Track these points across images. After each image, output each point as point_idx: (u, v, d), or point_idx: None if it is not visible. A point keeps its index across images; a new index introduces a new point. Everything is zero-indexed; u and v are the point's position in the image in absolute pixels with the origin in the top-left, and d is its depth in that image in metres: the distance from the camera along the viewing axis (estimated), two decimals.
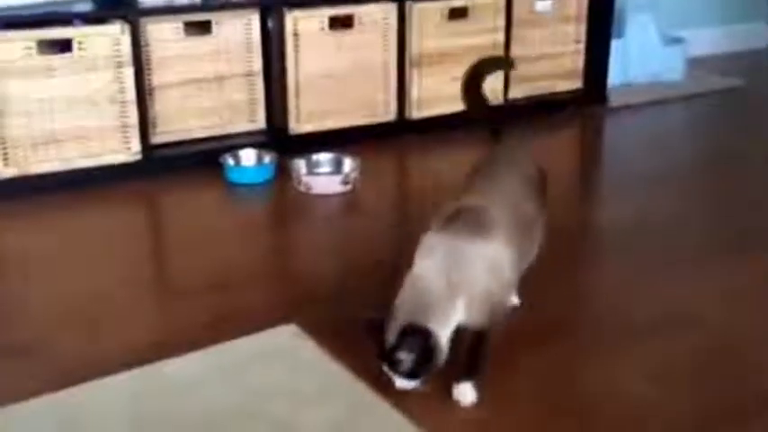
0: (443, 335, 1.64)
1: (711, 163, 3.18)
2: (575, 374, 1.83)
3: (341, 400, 1.69)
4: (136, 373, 1.77)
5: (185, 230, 2.57)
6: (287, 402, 1.68)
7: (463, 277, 1.67)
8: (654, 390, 1.74)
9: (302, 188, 2.81)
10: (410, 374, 1.65)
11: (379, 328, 1.66)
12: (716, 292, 2.13)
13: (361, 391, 1.71)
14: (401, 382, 1.67)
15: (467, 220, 1.73)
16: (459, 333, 1.70)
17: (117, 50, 2.73)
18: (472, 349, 1.71)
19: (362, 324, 1.72)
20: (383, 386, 1.69)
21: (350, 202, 2.76)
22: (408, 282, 1.69)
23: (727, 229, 2.54)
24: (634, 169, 3.10)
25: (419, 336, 1.61)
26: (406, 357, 1.62)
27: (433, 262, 1.69)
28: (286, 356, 1.84)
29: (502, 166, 1.95)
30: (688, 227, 2.55)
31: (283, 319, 1.96)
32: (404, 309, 1.65)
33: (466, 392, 1.68)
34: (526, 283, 1.91)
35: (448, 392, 1.70)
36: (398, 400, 1.66)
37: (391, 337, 1.63)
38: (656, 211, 2.66)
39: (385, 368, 1.67)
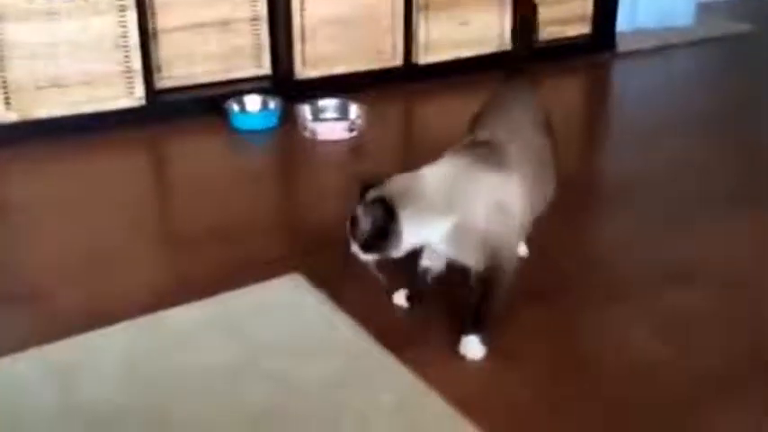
0: (409, 233, 1.61)
1: (719, 112, 3.14)
2: (581, 329, 1.83)
3: (342, 354, 1.67)
4: (134, 323, 1.75)
5: (189, 177, 2.56)
6: (285, 357, 1.66)
7: (464, 202, 1.64)
8: (660, 344, 1.74)
9: (308, 134, 2.79)
10: (364, 245, 1.63)
11: (363, 191, 1.65)
12: (720, 246, 2.12)
13: (364, 343, 1.70)
14: (355, 249, 1.65)
15: (484, 152, 1.70)
16: (469, 284, 1.69)
17: None
18: (480, 302, 1.69)
19: (357, 181, 1.69)
20: (388, 337, 1.70)
21: (355, 148, 2.74)
22: (411, 174, 1.67)
23: (734, 180, 2.52)
24: (640, 118, 3.08)
25: (384, 212, 1.60)
26: (363, 220, 1.61)
27: (441, 174, 1.67)
28: (288, 308, 1.82)
29: (513, 104, 1.90)
30: (694, 178, 2.53)
31: (288, 267, 1.95)
32: (390, 187, 1.63)
33: (473, 347, 1.67)
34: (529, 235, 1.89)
35: (452, 346, 1.69)
36: (402, 351, 1.66)
37: (363, 201, 1.63)
38: (662, 162, 2.64)
39: (347, 229, 1.65)
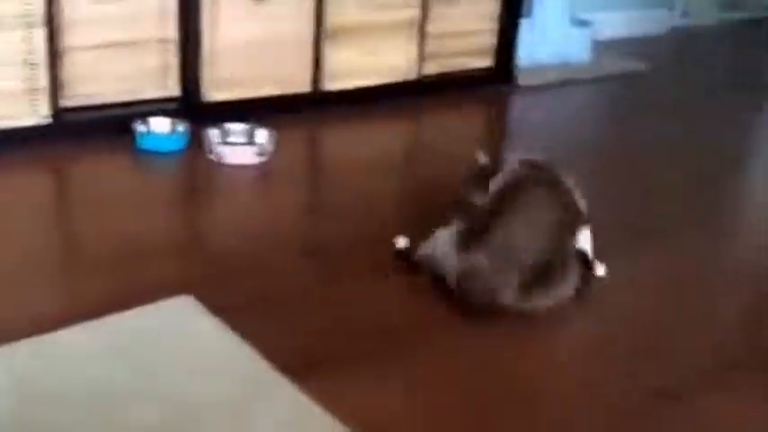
0: None
1: (614, 146, 3.30)
2: (497, 353, 1.89)
3: (235, 377, 1.70)
4: (21, 345, 1.73)
5: (93, 199, 2.54)
6: (176, 378, 1.68)
7: None
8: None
9: (214, 158, 2.81)
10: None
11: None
12: (619, 280, 2.22)
13: (258, 367, 1.72)
14: None
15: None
16: None
17: (28, 10, 2.66)
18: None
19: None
20: (282, 363, 1.73)
21: (262, 173, 2.77)
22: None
23: (625, 215, 2.66)
24: (535, 149, 3.19)
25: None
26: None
27: None
28: (179, 329, 1.84)
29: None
30: (594, 213, 2.64)
31: (182, 291, 1.96)
32: None
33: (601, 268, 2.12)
34: None
35: (345, 375, 1.75)
36: (297, 377, 1.70)
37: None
38: None
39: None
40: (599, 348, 1.95)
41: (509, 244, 1.95)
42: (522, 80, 3.87)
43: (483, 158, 2.11)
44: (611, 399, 1.76)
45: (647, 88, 4.07)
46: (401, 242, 2.21)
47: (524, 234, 1.96)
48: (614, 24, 4.68)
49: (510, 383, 1.79)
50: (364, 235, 2.35)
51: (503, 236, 1.95)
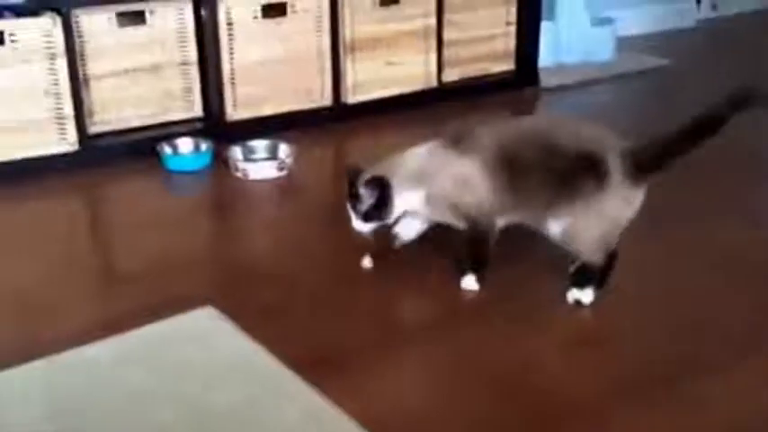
0: (399, 201, 2.06)
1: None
2: (489, 349, 1.90)
3: (256, 382, 1.75)
4: (55, 358, 1.82)
5: (122, 219, 2.63)
6: (200, 383, 1.75)
7: (430, 177, 2.04)
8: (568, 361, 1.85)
9: (239, 174, 2.87)
10: (365, 215, 2.07)
11: (353, 177, 2.09)
12: (630, 266, 2.22)
13: (277, 373, 1.77)
14: (357, 224, 2.11)
15: (454, 135, 2.08)
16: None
17: (49, 42, 2.76)
18: (469, 251, 2.10)
19: (347, 169, 2.14)
20: (300, 368, 1.77)
21: (285, 187, 2.82)
22: (393, 157, 2.11)
23: (656, 203, 2.63)
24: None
25: (380, 184, 2.04)
26: (365, 194, 2.05)
27: (418, 152, 2.10)
28: (201, 338, 1.91)
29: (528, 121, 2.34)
30: None
31: (207, 302, 2.02)
32: (376, 168, 2.08)
33: (470, 282, 2.09)
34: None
35: (367, 376, 1.78)
36: (316, 380, 1.73)
37: (360, 182, 2.06)
38: None
39: (348, 207, 2.10)
40: (636, 331, 1.96)
41: None
42: (546, 82, 3.88)
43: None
44: (649, 377, 1.77)
45: (673, 84, 4.03)
46: (366, 263, 2.23)
47: None
48: (638, 20, 4.66)
49: (529, 375, 1.80)
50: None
51: None
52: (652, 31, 4.74)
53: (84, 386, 1.75)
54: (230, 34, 3.07)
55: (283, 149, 2.96)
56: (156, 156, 2.92)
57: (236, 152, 2.94)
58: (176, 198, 2.81)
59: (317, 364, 1.80)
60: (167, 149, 2.95)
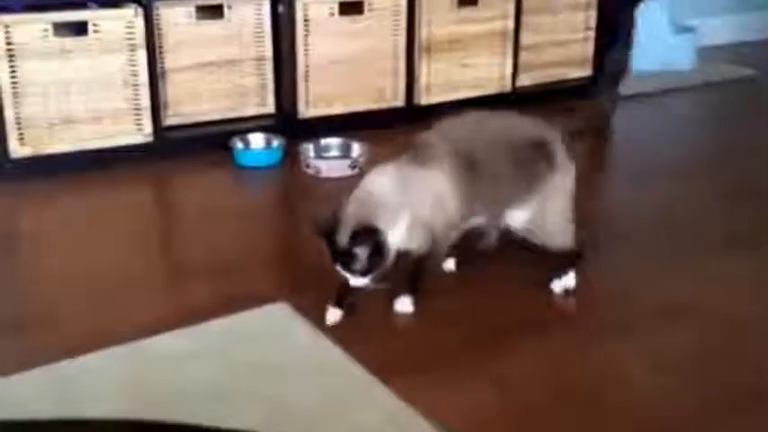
0: (391, 236, 1.87)
1: (719, 155, 3.19)
2: (577, 360, 1.86)
3: (328, 377, 1.74)
4: (131, 347, 1.82)
5: (193, 212, 2.64)
6: (274, 379, 1.73)
7: (409, 198, 1.91)
8: (657, 378, 1.78)
9: (311, 171, 2.86)
10: (364, 271, 1.86)
11: (329, 233, 1.87)
12: (721, 286, 2.15)
13: (351, 369, 1.75)
14: (355, 280, 1.89)
15: (416, 152, 1.97)
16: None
17: (130, 33, 2.79)
18: (413, 273, 1.99)
19: (315, 226, 1.91)
20: (374, 366, 1.75)
21: (357, 185, 2.80)
22: (357, 193, 1.91)
23: (735, 222, 2.56)
24: (643, 159, 3.13)
25: (370, 233, 1.84)
26: (360, 252, 1.84)
27: (384, 179, 1.93)
28: (275, 335, 1.89)
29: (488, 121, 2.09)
30: (693, 220, 2.57)
31: (279, 298, 2.01)
32: (354, 215, 1.86)
33: (406, 303, 1.97)
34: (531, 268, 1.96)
35: (445, 375, 1.76)
36: (389, 379, 1.71)
37: (344, 239, 1.84)
38: (660, 203, 2.69)
39: (339, 269, 1.88)
40: (694, 355, 1.88)
41: None
42: (625, 89, 3.79)
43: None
44: (709, 397, 1.70)
45: (754, 94, 3.92)
46: (332, 317, 1.96)
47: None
48: (721, 29, 4.54)
49: (600, 384, 1.75)
50: None
51: None
52: (738, 41, 4.61)
53: (161, 377, 1.74)
54: (306, 31, 3.07)
55: (356, 148, 2.95)
56: (228, 150, 2.93)
57: (309, 149, 2.93)
58: (248, 193, 2.81)
59: (394, 366, 1.77)
60: (239, 144, 2.96)
